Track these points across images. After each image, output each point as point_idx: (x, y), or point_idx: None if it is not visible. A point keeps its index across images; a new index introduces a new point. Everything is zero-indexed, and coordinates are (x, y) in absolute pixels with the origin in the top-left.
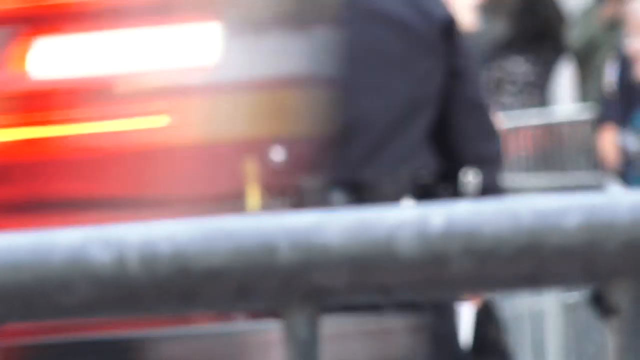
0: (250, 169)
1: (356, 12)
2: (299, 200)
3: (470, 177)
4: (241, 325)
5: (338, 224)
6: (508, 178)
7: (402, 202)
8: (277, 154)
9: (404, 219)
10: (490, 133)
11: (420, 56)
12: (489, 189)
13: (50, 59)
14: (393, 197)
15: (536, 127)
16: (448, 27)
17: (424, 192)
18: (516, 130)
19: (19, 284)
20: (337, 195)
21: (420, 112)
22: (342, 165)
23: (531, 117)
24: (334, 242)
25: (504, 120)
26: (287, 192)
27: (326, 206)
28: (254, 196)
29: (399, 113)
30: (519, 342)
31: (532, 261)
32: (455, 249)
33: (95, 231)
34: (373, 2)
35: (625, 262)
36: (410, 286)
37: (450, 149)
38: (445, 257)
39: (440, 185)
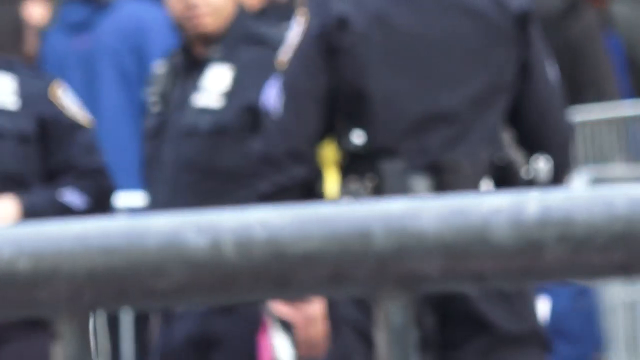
0: (329, 153)
1: (435, 3)
2: (379, 184)
3: (541, 164)
4: None
5: (433, 210)
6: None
7: (480, 185)
8: (357, 138)
9: (499, 205)
10: (561, 121)
11: (497, 45)
12: (560, 176)
13: None
14: (472, 180)
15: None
16: (523, 16)
17: (502, 177)
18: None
19: (112, 269)
20: (417, 179)
21: (498, 100)
22: (422, 150)
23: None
24: (428, 228)
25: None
26: (366, 177)
27: (406, 191)
28: (332, 180)
29: (477, 101)
30: (613, 333)
31: (627, 250)
32: (550, 237)
33: (190, 216)
34: None
35: None
36: (504, 274)
37: (523, 135)
38: (539, 244)
39: (516, 170)
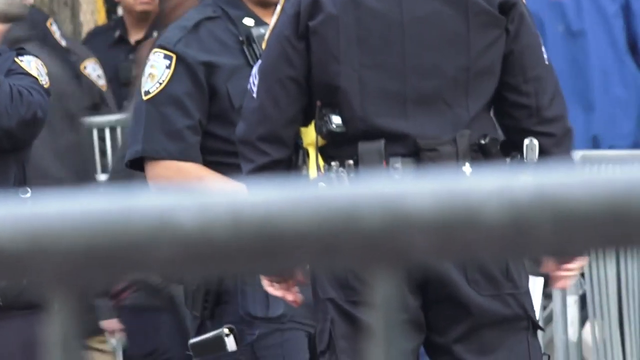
0: (308, 134)
1: None
2: (359, 167)
3: (530, 151)
4: None
5: (423, 189)
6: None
7: (462, 168)
8: (335, 121)
9: (490, 184)
10: (552, 107)
11: (477, 29)
12: (562, 148)
13: None
14: (452, 164)
15: None
16: (508, 3)
17: (485, 161)
18: None
19: (104, 247)
20: (397, 162)
21: (481, 83)
22: (401, 134)
23: None
24: (419, 206)
25: None
26: (345, 157)
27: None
28: (312, 161)
29: (457, 85)
30: None
31: (619, 227)
32: (542, 216)
33: (180, 194)
34: None
35: None
36: (495, 250)
37: (513, 120)
38: (531, 223)
39: (501, 154)
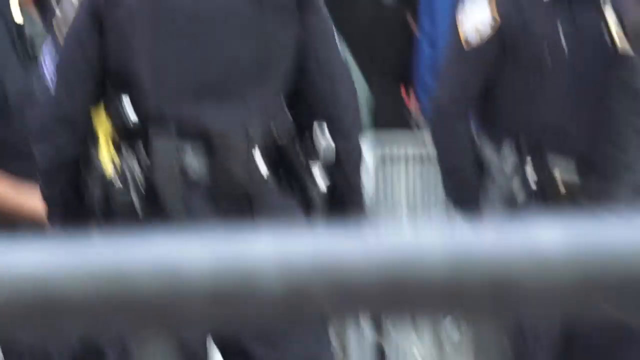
0: (101, 123)
1: None
2: (152, 162)
3: (323, 141)
4: None
5: (203, 253)
6: None
7: (254, 156)
8: (128, 110)
9: (267, 251)
10: (347, 95)
11: (268, 18)
12: (346, 159)
13: None
14: (243, 152)
15: None
16: None
17: (277, 150)
18: None
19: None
20: (189, 154)
21: (273, 72)
22: (192, 120)
23: None
24: (195, 272)
25: None
26: (137, 147)
27: (179, 168)
28: (105, 152)
29: (248, 72)
30: None
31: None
32: (318, 283)
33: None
34: None
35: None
36: (272, 319)
37: (306, 109)
38: (308, 291)
39: (294, 144)
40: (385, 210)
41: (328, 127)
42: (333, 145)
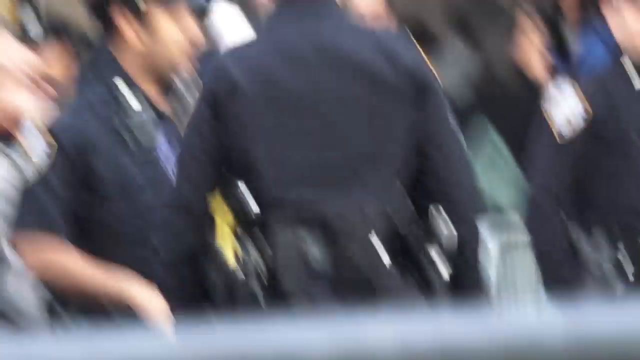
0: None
1: (323, 62)
2: (273, 246)
3: (443, 226)
4: None
5: (323, 341)
6: None
7: (371, 239)
8: (248, 199)
9: (387, 338)
10: (467, 191)
11: (386, 101)
12: (470, 249)
13: None
14: (362, 237)
15: None
16: (422, 81)
17: (396, 235)
18: None
19: None
20: (308, 241)
21: (390, 156)
22: (310, 204)
23: None
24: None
25: None
26: (257, 236)
27: (299, 257)
28: (226, 241)
29: (365, 156)
30: None
31: None
32: None
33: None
34: (342, 49)
35: None
36: None
37: (425, 193)
38: None
39: (411, 226)
40: (507, 295)
41: (446, 211)
42: (455, 232)
